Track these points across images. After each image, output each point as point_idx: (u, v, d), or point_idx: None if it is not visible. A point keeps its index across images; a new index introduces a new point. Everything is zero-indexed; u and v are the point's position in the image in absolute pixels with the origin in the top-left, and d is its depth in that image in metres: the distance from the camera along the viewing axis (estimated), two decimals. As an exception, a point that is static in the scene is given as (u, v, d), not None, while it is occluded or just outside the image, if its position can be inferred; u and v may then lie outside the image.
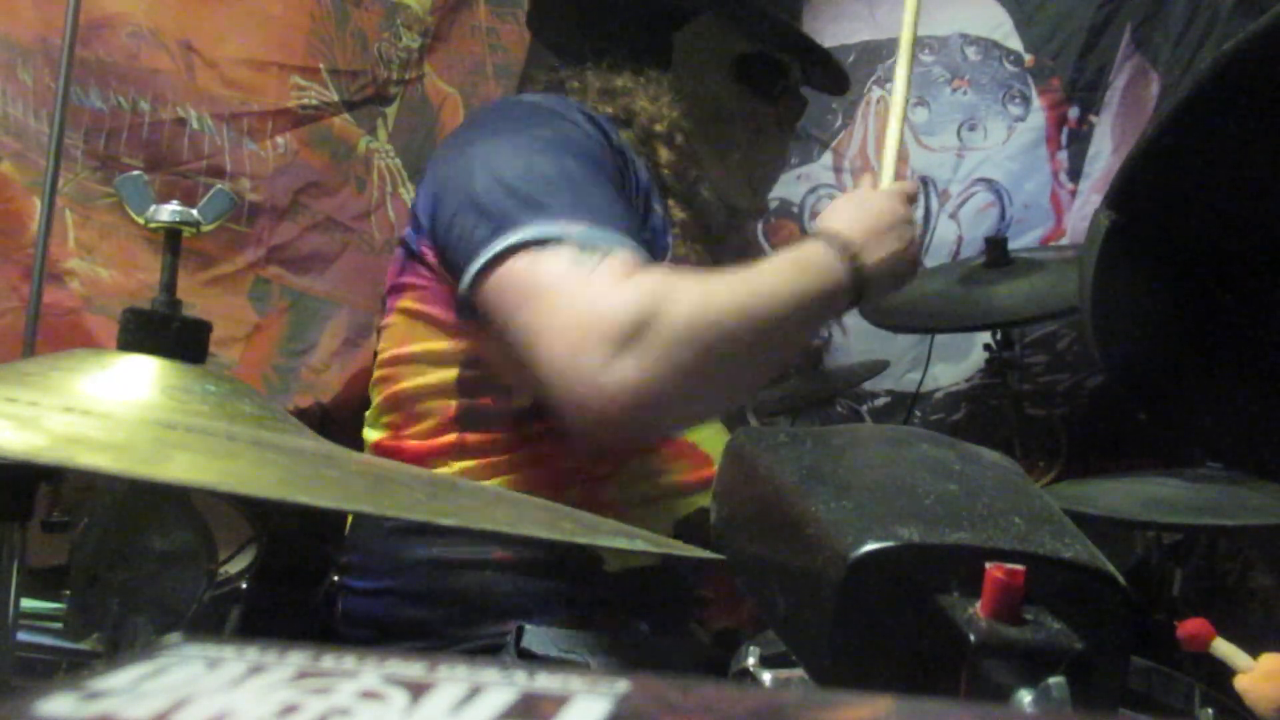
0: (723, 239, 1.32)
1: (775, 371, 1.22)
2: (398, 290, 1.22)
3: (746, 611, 1.18)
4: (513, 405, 1.15)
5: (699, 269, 1.24)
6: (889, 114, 1.31)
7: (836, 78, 1.47)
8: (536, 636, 1.08)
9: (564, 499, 1.13)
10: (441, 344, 1.17)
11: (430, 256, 1.17)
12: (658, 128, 1.26)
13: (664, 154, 1.26)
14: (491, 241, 1.05)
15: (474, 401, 1.16)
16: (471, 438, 1.16)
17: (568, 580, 1.14)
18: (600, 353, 0.97)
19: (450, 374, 1.17)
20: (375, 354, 1.27)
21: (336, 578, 1.23)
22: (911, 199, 1.23)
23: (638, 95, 1.27)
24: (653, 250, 1.14)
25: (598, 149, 1.16)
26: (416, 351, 1.19)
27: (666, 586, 1.17)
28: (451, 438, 1.16)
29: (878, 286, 1.13)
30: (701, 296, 1.01)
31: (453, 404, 1.17)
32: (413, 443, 1.19)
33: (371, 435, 1.23)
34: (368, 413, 1.26)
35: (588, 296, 1.00)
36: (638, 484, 1.17)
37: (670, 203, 1.24)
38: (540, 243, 1.03)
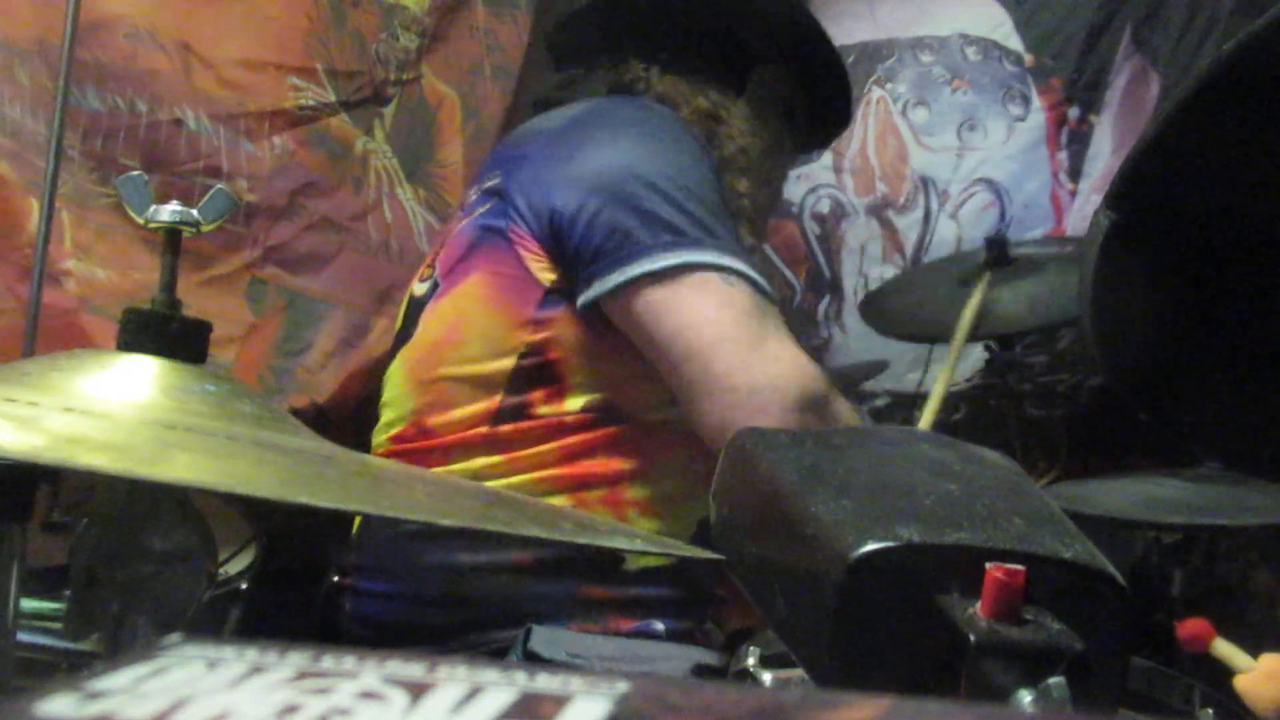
0: None
1: None
2: (464, 270, 1.20)
3: None
4: (562, 405, 1.15)
5: None
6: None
7: (824, 144, 1.63)
8: (544, 638, 1.08)
9: (588, 497, 1.14)
10: (507, 334, 1.16)
11: (522, 244, 1.16)
12: (741, 159, 1.29)
13: (743, 184, 1.29)
14: (664, 251, 1.08)
15: (520, 398, 1.16)
16: (505, 430, 1.15)
17: (585, 581, 1.14)
18: (799, 400, 1.06)
19: (507, 364, 1.16)
20: (400, 339, 1.26)
21: (339, 578, 1.22)
22: None
23: (722, 119, 1.29)
24: None
25: (715, 174, 1.20)
26: (470, 337, 1.18)
27: (683, 586, 1.17)
28: (484, 430, 1.16)
29: None
30: (849, 412, 1.14)
31: (498, 396, 1.16)
32: (441, 433, 1.18)
33: (389, 429, 1.22)
34: (382, 399, 1.25)
35: (789, 344, 1.09)
36: (661, 483, 1.17)
37: (741, 231, 1.25)
38: (723, 270, 1.08)
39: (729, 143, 1.28)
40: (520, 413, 1.16)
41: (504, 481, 1.14)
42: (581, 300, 1.12)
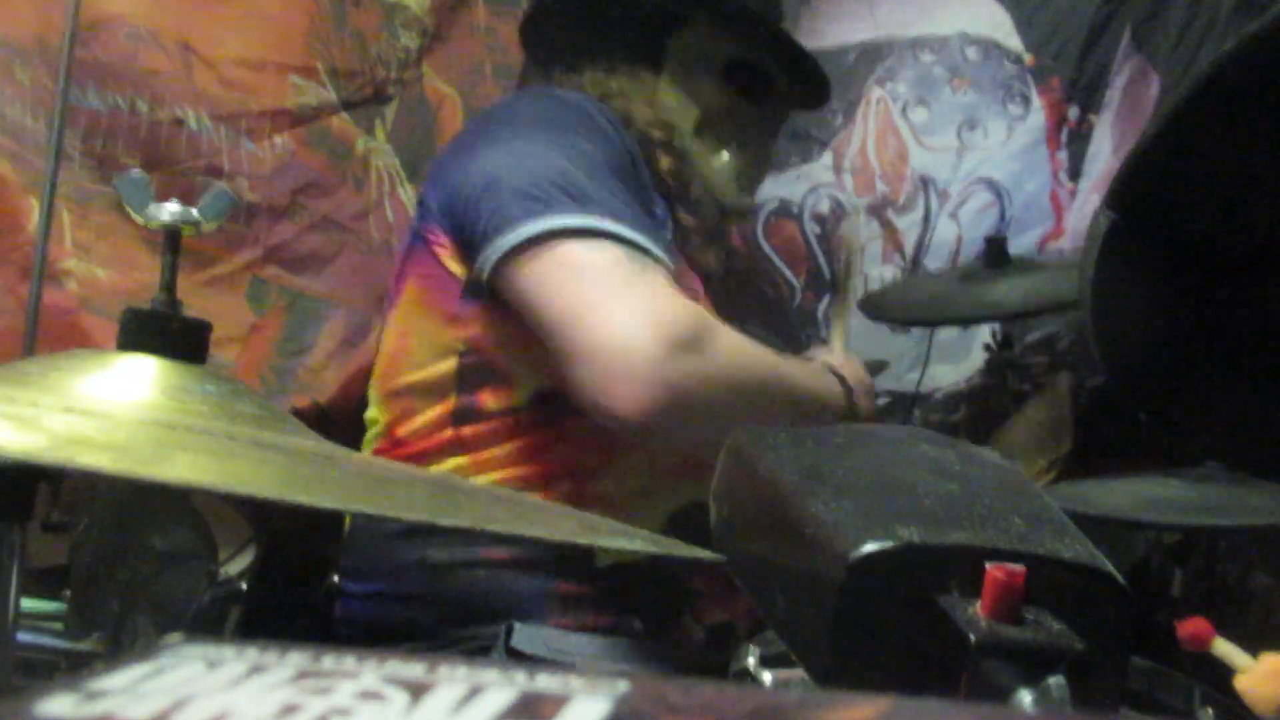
0: (717, 240, 1.34)
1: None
2: (400, 280, 1.23)
3: (741, 605, 1.18)
4: (511, 398, 1.16)
5: (698, 269, 1.26)
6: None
7: (819, 90, 1.50)
8: (526, 635, 1.09)
9: (556, 492, 1.14)
10: (442, 334, 1.17)
11: (437, 243, 1.17)
12: (655, 134, 1.27)
13: (664, 160, 1.27)
14: (528, 221, 1.06)
15: (472, 396, 1.16)
16: (467, 431, 1.16)
17: (559, 577, 1.14)
18: (662, 347, 1.00)
19: (450, 365, 1.17)
20: (377, 351, 1.27)
21: (336, 579, 1.23)
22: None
23: (634, 99, 1.28)
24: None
25: (620, 153, 1.19)
26: (416, 344, 1.19)
27: (658, 580, 1.17)
28: (448, 434, 1.17)
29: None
30: (740, 340, 1.12)
31: (451, 399, 1.17)
32: (411, 442, 1.19)
33: (370, 443, 1.23)
34: (366, 414, 1.26)
35: (651, 293, 1.04)
36: (629, 477, 1.17)
37: (677, 208, 1.26)
38: (588, 232, 1.05)
39: (642, 121, 1.28)
40: (475, 412, 1.17)
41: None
42: (466, 288, 1.15)
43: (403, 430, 1.19)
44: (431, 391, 1.18)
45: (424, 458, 1.17)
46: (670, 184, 1.28)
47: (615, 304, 1.03)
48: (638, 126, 1.27)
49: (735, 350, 1.09)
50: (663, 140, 1.28)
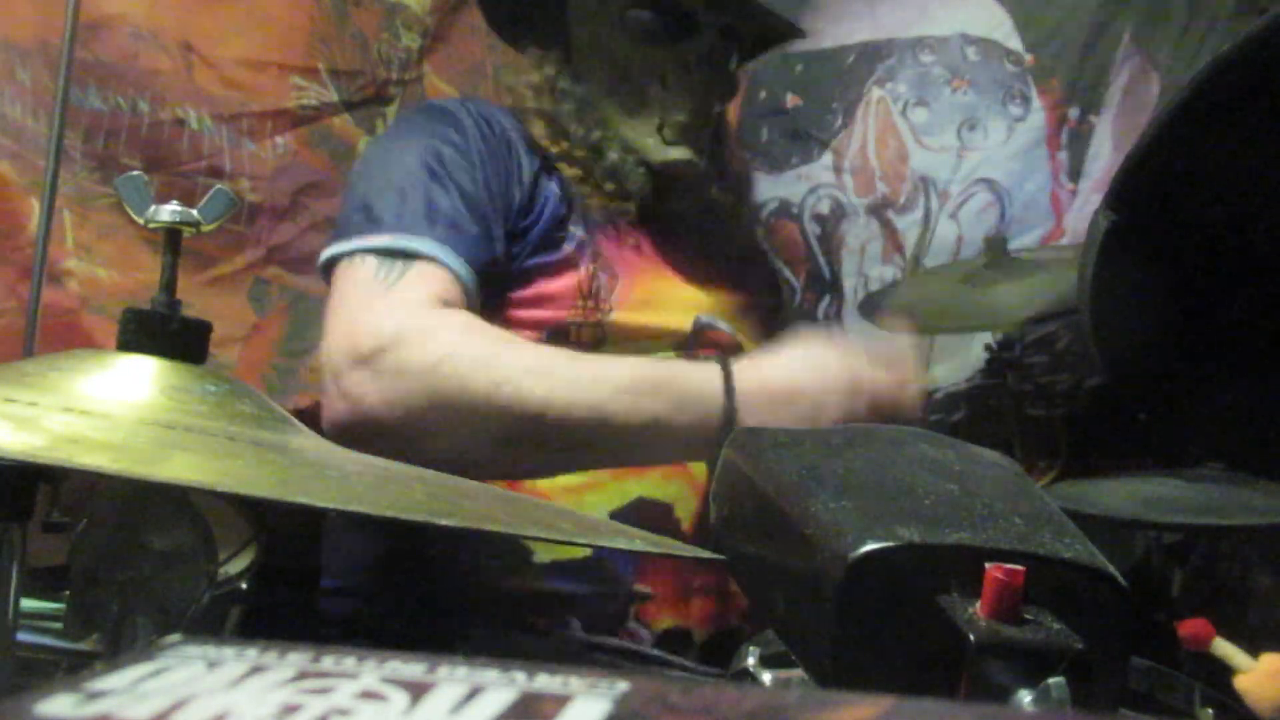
0: (661, 205, 1.32)
1: (574, 466, 1.13)
2: None
3: (696, 611, 1.16)
4: None
5: (630, 244, 1.27)
6: None
7: (774, 22, 1.41)
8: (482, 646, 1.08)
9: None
10: None
11: None
12: (528, 103, 1.28)
13: (537, 128, 1.27)
14: (324, 247, 1.17)
15: None
16: None
17: (502, 573, 1.13)
18: (343, 362, 1.05)
19: None
20: None
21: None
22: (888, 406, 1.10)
23: (527, 74, 1.30)
24: (535, 241, 1.21)
25: (463, 153, 1.19)
26: None
27: (600, 580, 1.15)
28: None
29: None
30: (454, 357, 1.03)
31: None
32: None
33: None
34: None
35: (357, 311, 1.09)
36: (558, 473, 1.15)
37: (568, 177, 1.26)
38: (351, 254, 1.12)
39: (525, 94, 1.30)
40: None
41: None
42: None
43: None
44: None
45: None
46: (550, 153, 1.28)
47: (333, 323, 1.10)
48: (523, 104, 1.28)
49: (437, 358, 1.02)
50: (533, 109, 1.29)
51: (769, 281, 1.67)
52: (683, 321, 1.26)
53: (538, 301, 1.20)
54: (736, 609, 1.17)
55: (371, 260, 1.11)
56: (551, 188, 1.24)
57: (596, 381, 1.03)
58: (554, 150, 1.27)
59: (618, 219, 1.27)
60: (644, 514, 1.14)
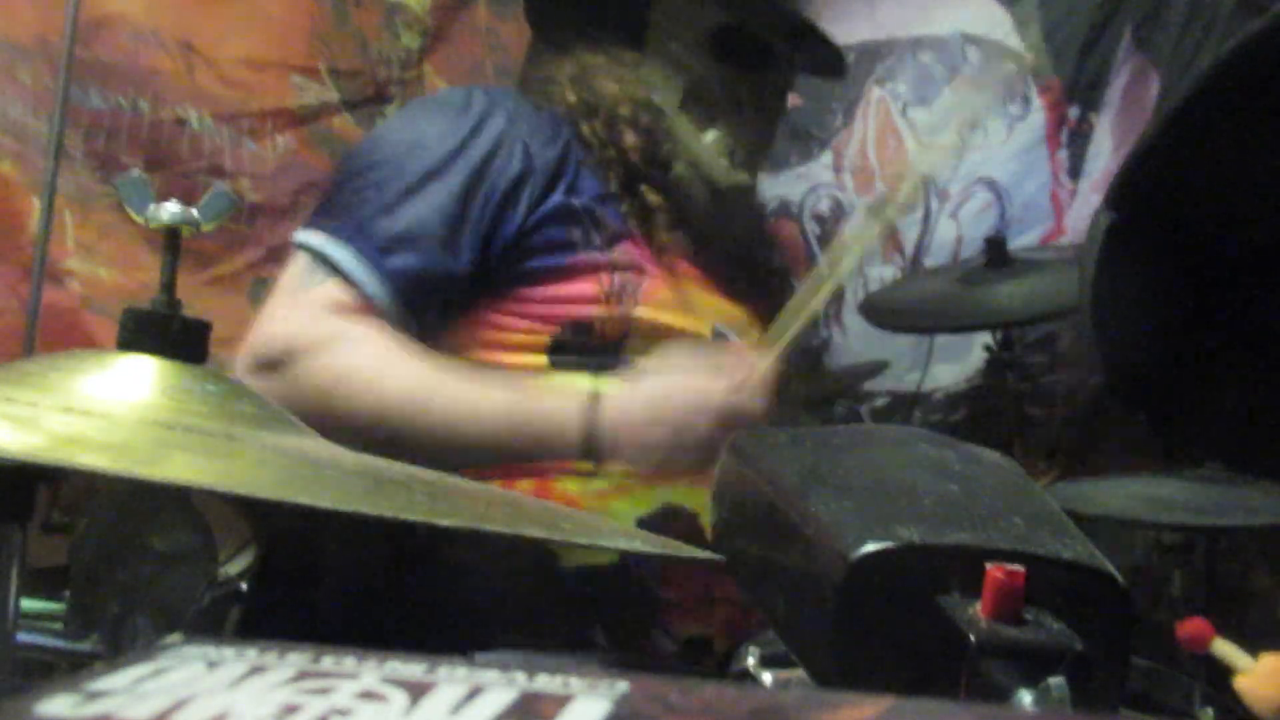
0: (712, 221, 1.31)
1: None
2: None
3: (719, 618, 1.16)
4: None
5: (681, 252, 1.24)
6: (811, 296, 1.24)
7: (830, 58, 1.43)
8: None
9: (519, 488, 1.12)
10: None
11: None
12: (622, 110, 1.26)
13: (629, 138, 1.26)
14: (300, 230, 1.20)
15: None
16: None
17: (523, 578, 1.13)
18: (247, 367, 1.12)
19: None
20: None
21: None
22: (743, 419, 1.10)
23: (605, 79, 1.28)
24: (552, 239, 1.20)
25: (453, 153, 1.19)
26: None
27: (626, 588, 1.15)
28: None
29: (619, 466, 1.11)
30: (348, 379, 1.10)
31: None
32: None
33: None
34: None
35: (276, 315, 1.15)
36: (591, 479, 1.14)
37: (643, 188, 1.24)
38: (297, 246, 1.17)
39: (607, 98, 1.28)
40: None
41: None
42: None
43: None
44: None
45: None
46: (637, 164, 1.26)
47: (259, 319, 1.15)
48: (604, 107, 1.27)
49: (336, 385, 1.09)
50: (627, 117, 1.27)
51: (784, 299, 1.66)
52: (702, 327, 1.26)
53: (555, 300, 1.20)
54: (758, 618, 1.16)
55: (302, 258, 1.16)
56: (589, 184, 1.23)
57: (470, 419, 1.11)
58: (646, 166, 1.28)
59: (662, 227, 1.26)
60: (671, 520, 1.14)
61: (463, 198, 1.17)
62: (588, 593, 1.14)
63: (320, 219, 1.18)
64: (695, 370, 1.12)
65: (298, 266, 1.15)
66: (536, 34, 1.47)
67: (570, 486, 1.13)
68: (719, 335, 1.28)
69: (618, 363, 1.17)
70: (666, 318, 1.22)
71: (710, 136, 1.30)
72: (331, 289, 1.13)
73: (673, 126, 1.28)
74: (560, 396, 1.13)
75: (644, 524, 1.13)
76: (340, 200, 1.18)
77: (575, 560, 1.13)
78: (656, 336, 1.20)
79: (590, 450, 1.09)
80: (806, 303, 1.21)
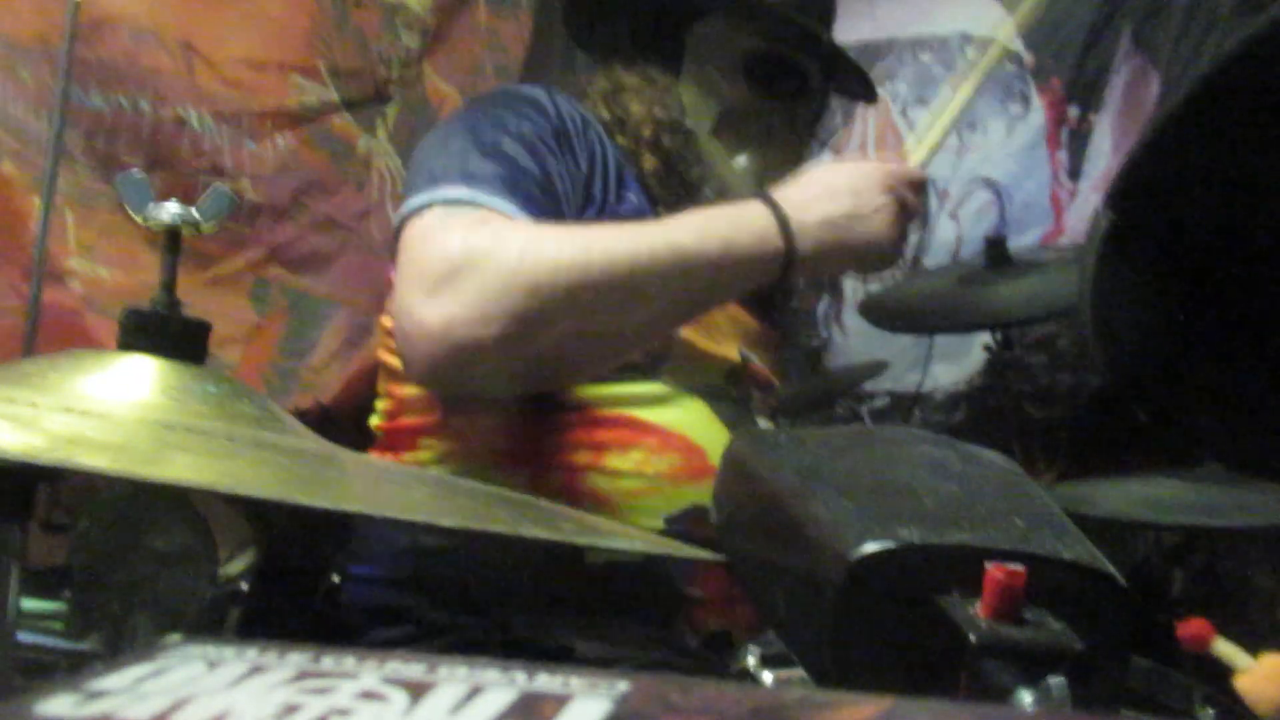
0: None
1: (663, 329, 1.13)
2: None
3: (741, 614, 1.16)
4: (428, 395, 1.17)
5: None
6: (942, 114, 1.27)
7: (860, 82, 1.44)
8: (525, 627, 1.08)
9: (545, 486, 1.12)
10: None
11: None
12: (644, 132, 1.26)
13: (648, 161, 1.26)
14: (413, 195, 1.09)
15: (401, 391, 1.19)
16: (413, 421, 1.18)
17: (550, 572, 1.13)
18: (416, 296, 0.99)
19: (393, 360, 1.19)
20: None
21: (336, 579, 1.22)
22: (907, 184, 1.16)
23: (634, 99, 1.28)
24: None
25: (538, 126, 1.16)
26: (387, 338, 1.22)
27: (654, 584, 1.15)
28: (407, 421, 1.19)
29: (818, 259, 1.10)
30: (535, 246, 1.00)
31: (387, 398, 1.21)
32: (385, 427, 1.20)
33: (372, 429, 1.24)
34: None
35: (423, 247, 1.03)
36: (621, 478, 1.15)
37: (659, 210, 1.24)
38: (419, 209, 1.06)
39: (632, 119, 1.26)
40: (401, 408, 1.18)
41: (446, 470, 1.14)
42: None
43: (383, 423, 1.22)
44: (394, 378, 1.20)
45: (394, 448, 1.18)
46: (654, 186, 1.26)
47: (401, 274, 1.03)
48: (629, 127, 1.26)
49: (519, 258, 0.99)
50: (649, 140, 1.26)
51: (802, 325, 1.68)
52: (732, 350, 1.26)
53: None
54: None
55: (437, 209, 1.06)
56: (630, 198, 1.24)
57: (664, 226, 1.07)
58: (663, 190, 1.27)
59: None
60: (698, 521, 1.14)
61: (559, 180, 1.15)
62: (615, 586, 1.14)
63: (421, 186, 1.09)
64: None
65: (432, 216, 1.05)
66: (577, 46, 1.47)
67: (600, 484, 1.14)
68: (746, 359, 1.28)
69: (656, 379, 1.17)
70: (702, 341, 1.22)
71: (741, 161, 1.30)
72: (470, 213, 1.05)
73: (704, 150, 1.28)
74: (730, 205, 1.11)
75: (672, 522, 1.13)
76: (436, 166, 1.11)
77: (603, 556, 1.13)
78: (694, 360, 1.20)
79: (785, 232, 1.07)
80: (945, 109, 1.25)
